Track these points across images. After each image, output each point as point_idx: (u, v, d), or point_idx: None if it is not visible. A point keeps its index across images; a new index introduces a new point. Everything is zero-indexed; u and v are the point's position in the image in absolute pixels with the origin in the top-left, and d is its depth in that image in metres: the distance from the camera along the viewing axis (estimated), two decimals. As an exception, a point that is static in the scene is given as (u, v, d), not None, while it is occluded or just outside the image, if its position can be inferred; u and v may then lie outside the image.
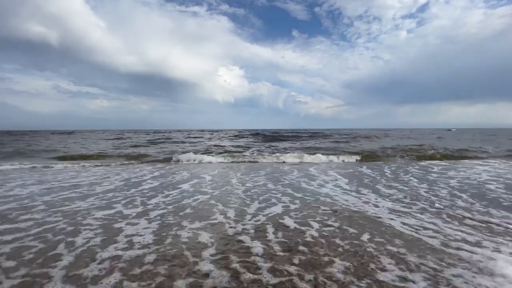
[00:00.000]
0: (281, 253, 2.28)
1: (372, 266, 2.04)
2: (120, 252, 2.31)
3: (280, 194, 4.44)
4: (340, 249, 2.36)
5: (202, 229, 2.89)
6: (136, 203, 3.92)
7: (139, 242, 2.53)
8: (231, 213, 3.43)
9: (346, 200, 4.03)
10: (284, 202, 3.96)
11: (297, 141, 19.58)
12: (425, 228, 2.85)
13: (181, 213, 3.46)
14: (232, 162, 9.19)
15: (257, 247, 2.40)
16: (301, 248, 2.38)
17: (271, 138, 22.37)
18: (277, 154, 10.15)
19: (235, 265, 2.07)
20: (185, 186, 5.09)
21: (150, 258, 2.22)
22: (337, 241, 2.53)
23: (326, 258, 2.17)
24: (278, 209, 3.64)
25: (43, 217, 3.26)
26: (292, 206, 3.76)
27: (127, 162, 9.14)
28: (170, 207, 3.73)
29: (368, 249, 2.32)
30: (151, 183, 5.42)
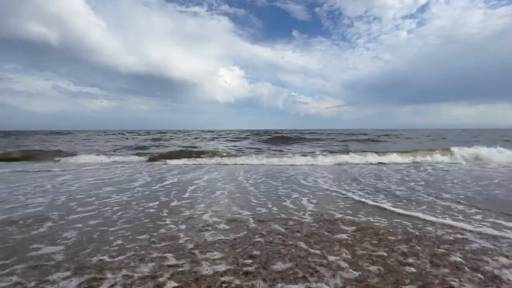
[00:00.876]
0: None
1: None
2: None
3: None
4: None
5: (262, 218, 3.15)
6: (172, 197, 4.26)
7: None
8: (270, 205, 3.73)
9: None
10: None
11: (317, 142, 18.70)
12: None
13: (223, 203, 3.83)
14: (273, 165, 8.72)
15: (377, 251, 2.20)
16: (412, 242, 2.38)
17: (281, 139, 20.69)
18: (309, 155, 9.83)
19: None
20: (201, 183, 5.43)
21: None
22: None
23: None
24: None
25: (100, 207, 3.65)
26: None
27: (146, 163, 9.41)
28: (206, 199, 4.06)
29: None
30: (172, 179, 5.85)
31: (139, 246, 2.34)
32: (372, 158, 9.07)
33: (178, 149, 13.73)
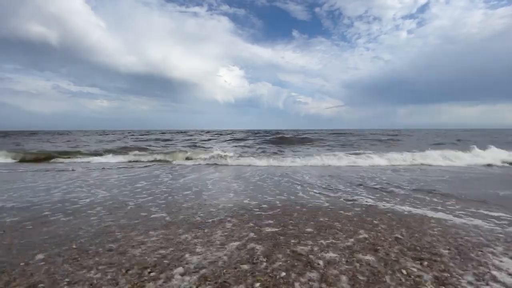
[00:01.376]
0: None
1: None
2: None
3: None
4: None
5: (285, 203, 4.17)
6: (200, 188, 5.06)
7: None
8: (286, 194, 4.63)
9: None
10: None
11: (321, 142, 19.07)
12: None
13: (246, 192, 4.68)
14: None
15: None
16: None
17: (284, 140, 20.64)
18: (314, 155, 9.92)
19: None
20: (216, 178, 6.18)
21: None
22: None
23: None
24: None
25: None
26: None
27: (158, 163, 10.01)
28: (231, 190, 4.90)
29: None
30: (190, 175, 6.62)
31: (220, 217, 3.25)
32: (380, 159, 9.22)
33: (181, 149, 14.32)
